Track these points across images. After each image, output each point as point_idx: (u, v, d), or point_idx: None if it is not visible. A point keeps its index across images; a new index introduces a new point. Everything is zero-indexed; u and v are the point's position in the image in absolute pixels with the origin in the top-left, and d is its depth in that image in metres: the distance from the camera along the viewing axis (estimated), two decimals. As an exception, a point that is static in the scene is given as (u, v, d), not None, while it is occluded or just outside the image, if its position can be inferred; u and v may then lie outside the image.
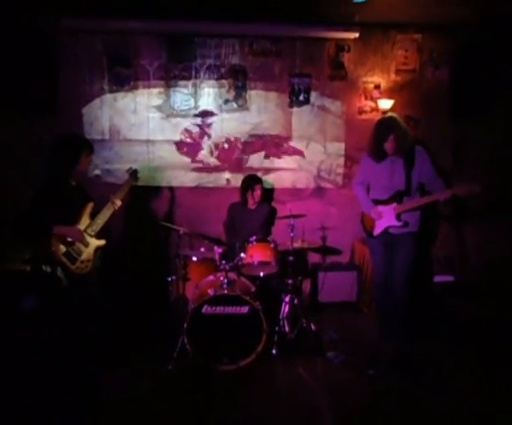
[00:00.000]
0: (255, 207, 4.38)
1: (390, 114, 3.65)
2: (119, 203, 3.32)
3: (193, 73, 4.65)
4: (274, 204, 4.80)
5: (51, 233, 2.95)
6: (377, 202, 3.56)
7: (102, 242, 3.20)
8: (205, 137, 4.74)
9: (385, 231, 3.52)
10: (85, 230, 3.11)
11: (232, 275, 3.57)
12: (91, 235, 3.14)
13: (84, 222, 3.13)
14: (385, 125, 3.40)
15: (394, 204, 3.46)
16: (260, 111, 4.74)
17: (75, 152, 3.12)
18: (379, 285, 3.69)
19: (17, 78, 4.25)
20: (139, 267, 4.62)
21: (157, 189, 4.75)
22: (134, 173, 3.67)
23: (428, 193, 3.46)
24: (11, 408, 2.76)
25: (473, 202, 4.44)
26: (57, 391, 2.87)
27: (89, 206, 3.18)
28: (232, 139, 4.75)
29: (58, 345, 3.06)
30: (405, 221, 3.44)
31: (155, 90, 4.65)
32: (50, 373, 3.01)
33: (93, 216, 3.19)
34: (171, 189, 4.77)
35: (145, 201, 4.70)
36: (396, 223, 3.45)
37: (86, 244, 3.10)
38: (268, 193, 4.77)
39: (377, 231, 3.56)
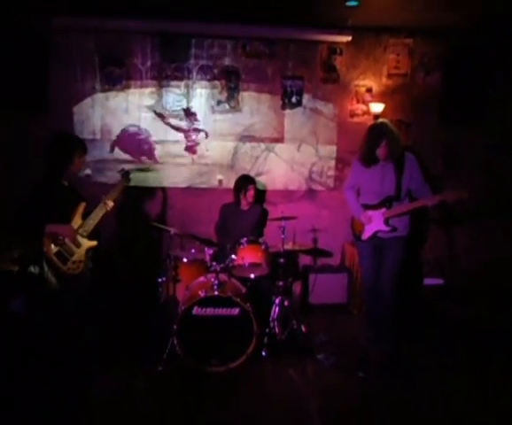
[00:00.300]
0: (248, 208, 4.37)
1: (381, 120, 3.64)
2: (111, 204, 3.30)
3: (186, 73, 4.64)
4: (265, 205, 4.81)
5: (43, 232, 2.92)
6: (367, 207, 3.56)
7: (93, 243, 3.18)
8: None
9: (374, 235, 3.53)
10: (77, 231, 3.09)
11: (223, 277, 3.56)
12: (83, 236, 3.12)
13: (76, 223, 3.11)
14: (378, 130, 3.39)
15: (383, 209, 3.47)
16: (253, 112, 4.75)
17: (68, 152, 3.10)
18: (368, 289, 3.70)
19: (7, 76, 4.20)
20: (130, 268, 4.60)
21: (148, 190, 4.73)
22: (126, 175, 3.65)
23: (415, 199, 3.47)
24: (4, 408, 2.73)
25: (463, 206, 4.50)
26: (49, 392, 2.85)
27: (81, 207, 3.16)
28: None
29: (49, 346, 3.03)
30: (393, 226, 3.46)
31: (147, 90, 4.63)
32: (43, 374, 2.98)
33: (85, 216, 3.17)
34: (163, 189, 4.75)
35: (137, 201, 4.67)
36: (384, 228, 3.46)
37: (78, 245, 3.07)
38: (260, 194, 4.77)
39: (366, 235, 3.57)
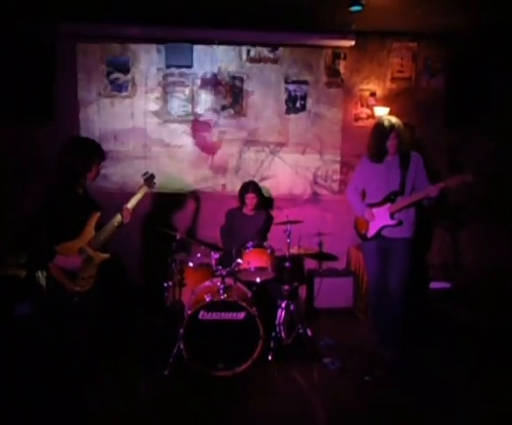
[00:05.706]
0: (253, 214, 4.37)
1: (387, 116, 3.66)
2: (129, 214, 3.03)
3: (190, 78, 4.67)
4: (271, 210, 4.81)
5: (53, 258, 2.72)
6: (372, 205, 3.57)
7: (107, 255, 2.93)
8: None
9: (380, 234, 3.52)
10: (89, 244, 2.84)
11: (228, 281, 3.56)
12: (95, 249, 2.87)
13: (88, 234, 2.85)
14: (387, 123, 3.42)
15: (388, 204, 3.47)
16: (257, 117, 4.77)
17: (88, 159, 2.85)
18: (374, 291, 3.69)
19: (14, 82, 4.23)
20: (136, 272, 4.61)
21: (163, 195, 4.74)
22: (150, 179, 3.24)
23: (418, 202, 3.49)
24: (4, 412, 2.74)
25: (468, 208, 4.50)
26: (50, 398, 2.85)
27: (95, 217, 2.88)
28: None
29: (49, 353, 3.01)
30: (399, 220, 3.45)
31: (152, 96, 4.67)
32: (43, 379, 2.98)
33: (99, 227, 2.91)
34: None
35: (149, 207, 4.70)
36: (390, 222, 3.45)
37: (87, 263, 2.85)
38: (266, 200, 4.77)
39: (372, 232, 3.56)
